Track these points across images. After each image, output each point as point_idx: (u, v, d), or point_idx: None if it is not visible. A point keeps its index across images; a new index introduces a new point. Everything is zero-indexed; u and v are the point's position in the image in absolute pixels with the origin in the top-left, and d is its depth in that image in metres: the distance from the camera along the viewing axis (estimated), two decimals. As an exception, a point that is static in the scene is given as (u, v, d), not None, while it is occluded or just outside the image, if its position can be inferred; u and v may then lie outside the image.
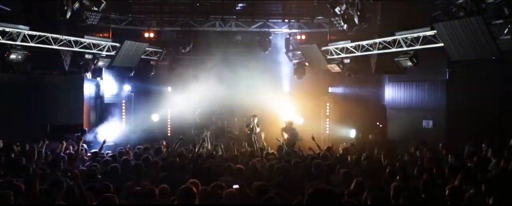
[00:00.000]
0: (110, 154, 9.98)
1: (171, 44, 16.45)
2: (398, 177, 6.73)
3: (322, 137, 16.03)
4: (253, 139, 13.89)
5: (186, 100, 15.50)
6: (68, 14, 11.10)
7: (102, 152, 10.51)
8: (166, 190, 5.54)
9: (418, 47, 11.26)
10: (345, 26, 12.04)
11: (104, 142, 11.03)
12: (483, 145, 9.26)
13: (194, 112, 15.74)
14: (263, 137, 14.33)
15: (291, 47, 16.29)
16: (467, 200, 4.98)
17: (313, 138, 11.61)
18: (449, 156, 8.78)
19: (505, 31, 9.02)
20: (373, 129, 15.08)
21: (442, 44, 10.33)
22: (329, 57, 14.33)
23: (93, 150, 10.59)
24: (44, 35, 11.88)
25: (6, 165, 7.67)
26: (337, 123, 16.09)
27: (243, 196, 5.66)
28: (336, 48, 13.98)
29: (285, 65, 16.93)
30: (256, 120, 14.86)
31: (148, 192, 5.46)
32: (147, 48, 15.00)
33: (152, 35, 15.67)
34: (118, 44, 13.74)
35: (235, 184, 6.13)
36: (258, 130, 14.79)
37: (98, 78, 16.24)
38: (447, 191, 5.24)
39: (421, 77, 13.23)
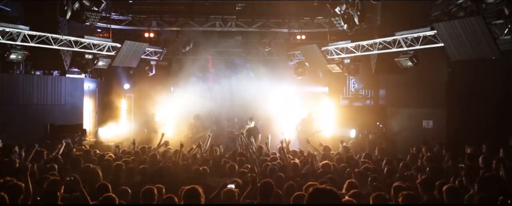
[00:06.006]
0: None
1: (171, 44, 16.45)
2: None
3: (322, 137, 16.00)
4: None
5: (186, 100, 15.46)
6: (68, 14, 11.10)
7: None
8: (161, 190, 5.53)
9: (418, 47, 11.27)
10: (345, 26, 12.04)
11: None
12: (483, 146, 9.25)
13: (190, 118, 15.58)
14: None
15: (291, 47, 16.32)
16: (467, 200, 4.98)
17: (308, 142, 11.42)
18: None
19: (505, 31, 9.01)
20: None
21: (442, 44, 10.33)
22: (329, 57, 14.34)
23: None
24: (44, 35, 11.89)
25: (4, 165, 7.64)
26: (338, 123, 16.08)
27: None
28: (336, 48, 13.99)
29: (285, 65, 16.91)
30: (253, 122, 14.71)
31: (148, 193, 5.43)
32: (147, 48, 15.00)
33: (152, 35, 15.67)
34: (118, 44, 13.77)
35: (231, 183, 6.12)
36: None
37: (98, 78, 16.24)
38: (446, 191, 5.23)
39: (421, 77, 13.20)
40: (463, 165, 7.70)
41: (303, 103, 16.27)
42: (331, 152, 10.34)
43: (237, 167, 7.59)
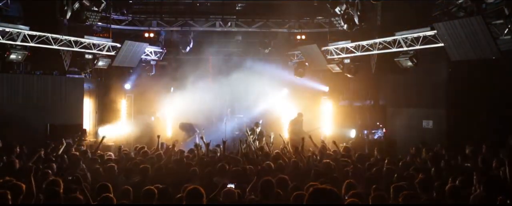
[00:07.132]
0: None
1: (171, 44, 16.45)
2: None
3: (323, 135, 16.00)
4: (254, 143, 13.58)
5: (186, 100, 15.47)
6: (68, 14, 11.10)
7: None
8: (165, 190, 5.53)
9: (418, 47, 11.27)
10: (345, 26, 12.03)
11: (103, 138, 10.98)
12: (483, 146, 9.25)
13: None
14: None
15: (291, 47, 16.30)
16: (472, 201, 4.98)
17: (310, 138, 11.40)
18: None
19: (505, 31, 9.01)
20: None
21: (442, 44, 10.33)
22: (329, 57, 14.34)
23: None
24: (44, 35, 11.90)
25: (4, 165, 7.64)
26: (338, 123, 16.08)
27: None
28: (336, 48, 13.99)
29: (285, 65, 16.91)
30: (259, 129, 14.55)
31: (149, 192, 5.43)
32: (147, 48, 15.00)
33: (152, 35, 15.67)
34: (118, 44, 13.77)
35: (230, 183, 6.13)
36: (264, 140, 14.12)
37: (98, 78, 16.23)
38: (447, 191, 5.24)
39: (421, 77, 13.21)
40: (469, 164, 7.70)
41: (302, 103, 16.29)
42: (328, 151, 10.33)
43: (227, 166, 7.58)
